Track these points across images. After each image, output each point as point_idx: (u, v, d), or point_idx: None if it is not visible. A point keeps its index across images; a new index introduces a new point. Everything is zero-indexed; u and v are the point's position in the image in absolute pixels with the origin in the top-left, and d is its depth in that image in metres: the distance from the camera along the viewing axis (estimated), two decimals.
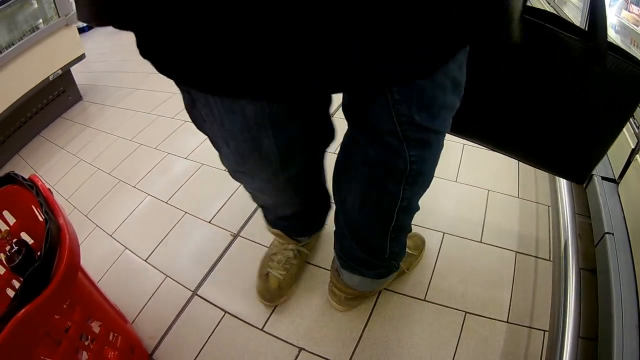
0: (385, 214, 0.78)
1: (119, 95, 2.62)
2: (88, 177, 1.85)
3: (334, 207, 0.91)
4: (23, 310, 0.60)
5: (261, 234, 1.32)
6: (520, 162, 1.19)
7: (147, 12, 0.40)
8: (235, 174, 0.82)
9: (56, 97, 2.46)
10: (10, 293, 0.96)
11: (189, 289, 1.20)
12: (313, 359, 0.98)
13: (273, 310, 1.10)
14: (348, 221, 0.86)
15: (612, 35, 1.30)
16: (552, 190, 1.26)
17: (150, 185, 1.69)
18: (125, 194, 1.68)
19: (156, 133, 2.05)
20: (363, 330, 1.02)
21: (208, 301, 1.16)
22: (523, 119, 0.76)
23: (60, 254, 0.68)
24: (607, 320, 0.84)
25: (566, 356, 0.84)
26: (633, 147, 1.06)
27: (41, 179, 0.83)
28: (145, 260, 1.33)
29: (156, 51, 0.48)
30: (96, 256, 1.39)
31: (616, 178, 1.15)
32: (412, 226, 0.97)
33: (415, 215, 0.86)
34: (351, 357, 0.97)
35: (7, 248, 0.83)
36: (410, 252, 1.10)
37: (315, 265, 1.20)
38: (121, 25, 0.43)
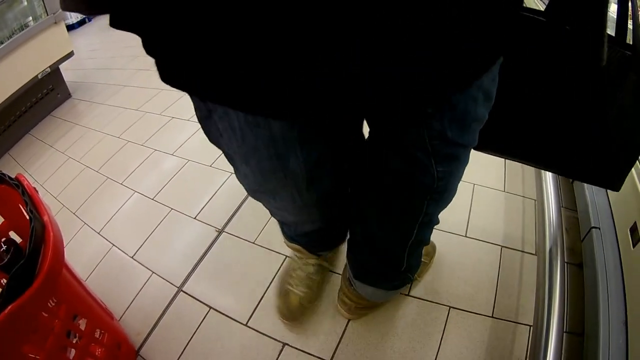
0: (405, 227, 0.75)
1: (108, 92, 2.61)
2: (76, 174, 1.85)
3: None
4: (8, 308, 0.60)
5: (245, 230, 1.33)
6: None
7: (150, 14, 0.39)
8: (254, 193, 0.74)
9: (45, 95, 2.45)
10: None
11: (174, 285, 1.20)
12: (296, 354, 0.98)
13: (257, 306, 1.10)
14: (365, 232, 0.83)
15: None
16: (538, 184, 1.26)
17: (137, 182, 1.69)
18: (113, 191, 1.67)
19: (144, 130, 2.05)
20: (346, 326, 1.02)
21: (193, 297, 1.16)
22: (553, 128, 0.70)
23: (45, 252, 0.69)
24: (594, 316, 0.84)
25: (550, 352, 0.83)
26: None
27: (31, 177, 0.83)
28: (132, 257, 1.33)
29: (164, 59, 0.46)
30: (84, 254, 1.39)
31: None
32: None
33: None
34: (334, 352, 0.97)
35: None
36: (422, 260, 1.06)
37: None
38: (128, 28, 0.42)
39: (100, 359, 0.92)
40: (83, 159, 1.95)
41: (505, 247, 1.15)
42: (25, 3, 2.13)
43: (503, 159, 1.40)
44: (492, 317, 0.99)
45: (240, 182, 0.71)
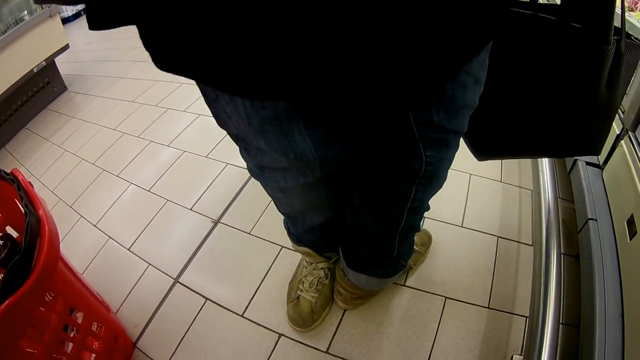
0: (395, 214, 0.75)
1: (104, 85, 2.59)
2: (73, 168, 1.84)
3: None
4: (5, 303, 0.60)
5: (241, 220, 1.33)
6: None
7: (150, 9, 0.38)
8: (260, 171, 0.71)
9: (41, 88, 2.44)
10: None
11: (171, 277, 1.20)
12: (292, 344, 0.98)
13: (253, 297, 1.10)
14: (355, 220, 0.83)
15: None
16: (534, 174, 1.25)
17: (133, 174, 1.68)
18: (109, 183, 1.67)
19: (140, 121, 2.04)
20: (342, 316, 1.02)
21: (190, 288, 1.16)
22: (548, 116, 0.70)
23: (40, 246, 0.69)
24: (590, 308, 0.84)
25: (546, 343, 0.83)
26: (618, 132, 1.05)
27: (27, 171, 0.83)
28: (129, 250, 1.33)
29: (164, 46, 0.44)
30: (81, 247, 1.39)
31: (601, 164, 1.14)
32: None
33: None
34: (330, 343, 0.97)
35: None
36: (416, 249, 1.08)
37: None
38: (124, 22, 0.40)
39: (98, 352, 0.92)
40: (79, 151, 1.95)
41: (502, 237, 1.15)
42: None
43: None
44: (488, 307, 1.00)
45: (247, 162, 0.70)
